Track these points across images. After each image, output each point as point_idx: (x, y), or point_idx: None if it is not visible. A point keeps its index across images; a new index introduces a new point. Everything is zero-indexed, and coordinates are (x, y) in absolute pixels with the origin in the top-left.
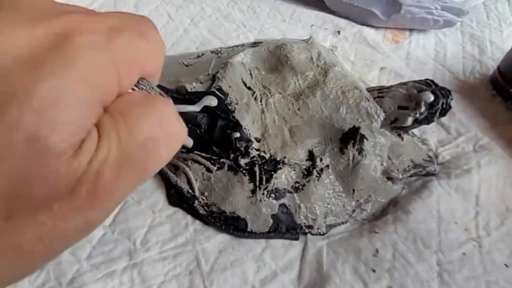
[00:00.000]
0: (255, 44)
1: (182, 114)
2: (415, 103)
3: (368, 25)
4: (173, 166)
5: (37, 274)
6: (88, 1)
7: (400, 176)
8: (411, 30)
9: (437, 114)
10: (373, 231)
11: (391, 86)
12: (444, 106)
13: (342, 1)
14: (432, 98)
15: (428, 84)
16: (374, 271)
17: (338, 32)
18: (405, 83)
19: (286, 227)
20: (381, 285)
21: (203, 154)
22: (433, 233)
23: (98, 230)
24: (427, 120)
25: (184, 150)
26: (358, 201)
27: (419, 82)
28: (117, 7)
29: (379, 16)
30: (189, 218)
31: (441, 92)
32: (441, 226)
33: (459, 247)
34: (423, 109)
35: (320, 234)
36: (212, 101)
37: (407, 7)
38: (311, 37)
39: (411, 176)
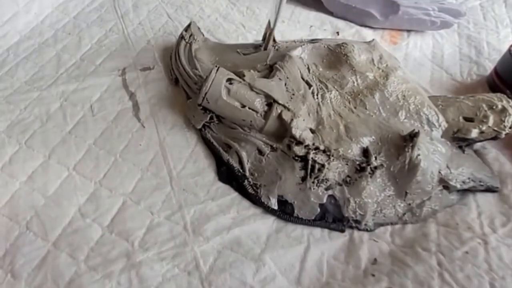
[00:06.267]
0: (313, 40)
1: (241, 96)
2: (482, 116)
3: (366, 26)
4: (226, 145)
5: (34, 276)
6: (88, 0)
7: (458, 186)
8: (408, 31)
9: (507, 129)
10: (372, 239)
11: (456, 97)
12: None
13: (340, 2)
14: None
15: (499, 99)
16: (373, 275)
17: (337, 33)
18: (472, 95)
19: (332, 218)
20: (380, 287)
21: (258, 136)
22: (432, 237)
23: (96, 231)
24: (495, 135)
25: (242, 130)
26: (410, 204)
27: (489, 96)
28: (116, 7)
29: (377, 17)
30: (187, 218)
31: None
32: (439, 230)
33: (462, 246)
34: (491, 122)
35: (367, 230)
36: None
37: (405, 8)
38: (373, 39)
39: (469, 189)
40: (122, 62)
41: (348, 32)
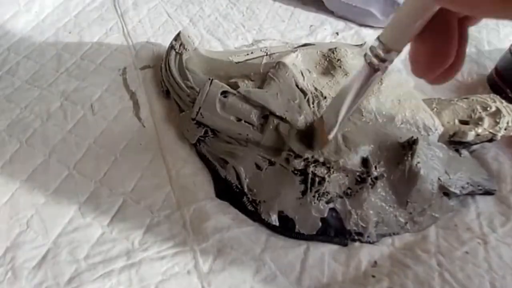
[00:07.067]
0: (305, 45)
1: (236, 110)
2: (477, 118)
3: (366, 26)
4: (222, 160)
5: (34, 273)
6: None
7: (458, 192)
8: None
9: (502, 131)
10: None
11: (451, 99)
12: (510, 124)
13: (341, 1)
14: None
15: (493, 100)
16: (374, 276)
17: (337, 33)
18: (466, 97)
19: (334, 231)
20: (381, 286)
21: (255, 150)
22: (431, 239)
23: (96, 230)
24: (491, 137)
25: (239, 145)
26: (411, 213)
27: (482, 97)
28: (116, 5)
29: (377, 16)
30: (187, 217)
31: (507, 110)
32: (439, 232)
33: (461, 247)
34: (486, 125)
35: (370, 242)
36: None
37: None
38: (365, 42)
39: (468, 193)
40: (123, 61)
41: (348, 32)
